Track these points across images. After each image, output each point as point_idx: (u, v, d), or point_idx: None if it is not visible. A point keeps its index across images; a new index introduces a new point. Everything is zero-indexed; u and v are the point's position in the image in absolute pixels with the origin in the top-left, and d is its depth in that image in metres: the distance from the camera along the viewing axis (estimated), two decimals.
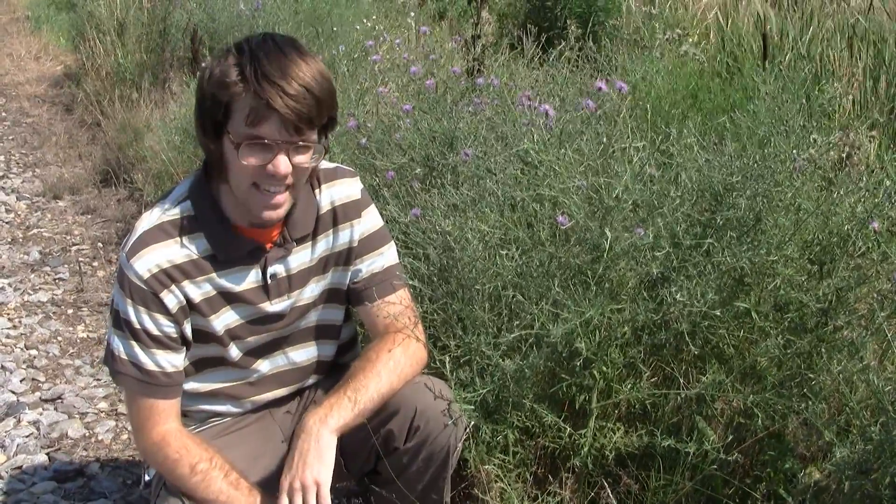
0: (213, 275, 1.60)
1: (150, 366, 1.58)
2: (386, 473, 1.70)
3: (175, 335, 1.59)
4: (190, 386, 1.68)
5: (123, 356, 1.58)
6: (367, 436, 1.63)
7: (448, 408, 1.67)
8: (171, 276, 1.56)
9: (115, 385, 2.71)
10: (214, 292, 1.61)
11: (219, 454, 1.60)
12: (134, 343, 1.57)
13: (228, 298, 1.62)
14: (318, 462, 1.52)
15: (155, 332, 1.57)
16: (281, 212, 1.56)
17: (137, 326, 1.56)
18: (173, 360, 1.60)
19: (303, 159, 1.52)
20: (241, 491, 1.57)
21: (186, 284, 1.58)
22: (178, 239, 1.57)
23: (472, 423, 1.76)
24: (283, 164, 1.49)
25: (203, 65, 1.56)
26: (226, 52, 1.51)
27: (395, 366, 1.63)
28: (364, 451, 1.70)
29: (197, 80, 1.57)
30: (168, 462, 1.59)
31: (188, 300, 1.59)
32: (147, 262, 1.54)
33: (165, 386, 1.60)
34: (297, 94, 1.45)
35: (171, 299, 1.57)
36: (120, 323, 1.57)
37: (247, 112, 1.46)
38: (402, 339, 1.66)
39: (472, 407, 1.77)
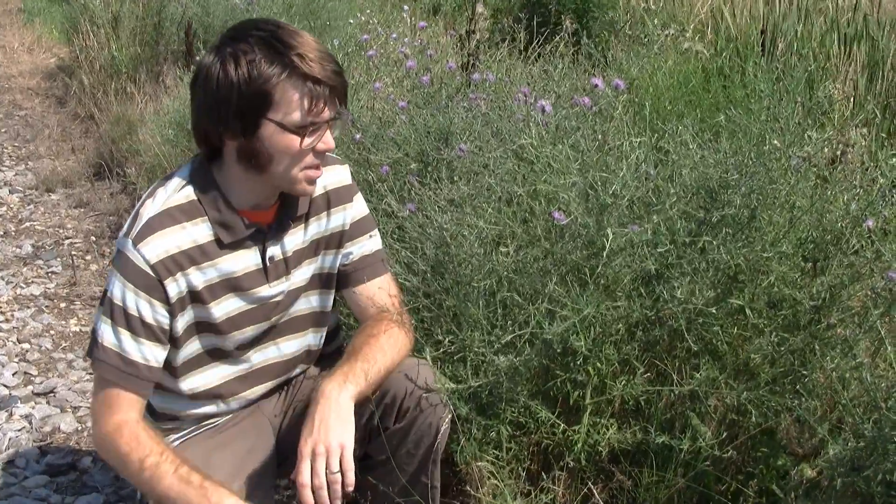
0: (217, 259, 1.60)
1: (135, 355, 1.56)
2: (376, 455, 1.71)
3: (167, 326, 1.58)
4: (183, 385, 1.67)
5: (108, 344, 1.55)
6: (357, 418, 1.63)
7: (428, 389, 1.68)
8: (178, 262, 1.56)
9: None
10: (217, 278, 1.61)
11: (171, 449, 1.54)
12: (123, 331, 1.55)
13: (230, 284, 1.62)
14: (340, 425, 1.48)
15: (149, 319, 1.55)
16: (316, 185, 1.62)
17: (133, 312, 1.54)
18: (157, 355, 1.59)
19: (336, 133, 1.59)
20: (191, 486, 1.47)
21: (192, 271, 1.58)
22: (184, 225, 1.57)
23: (457, 410, 1.76)
24: (331, 138, 1.56)
25: (216, 68, 1.50)
26: (241, 51, 1.48)
27: (395, 343, 1.65)
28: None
29: (215, 85, 1.50)
30: (119, 455, 1.53)
31: (191, 288, 1.58)
32: (156, 248, 1.54)
33: (143, 380, 1.57)
34: (339, 69, 1.53)
35: (174, 288, 1.56)
36: (112, 310, 1.55)
37: (299, 97, 1.49)
38: (396, 320, 1.69)
39: (468, 391, 1.77)
